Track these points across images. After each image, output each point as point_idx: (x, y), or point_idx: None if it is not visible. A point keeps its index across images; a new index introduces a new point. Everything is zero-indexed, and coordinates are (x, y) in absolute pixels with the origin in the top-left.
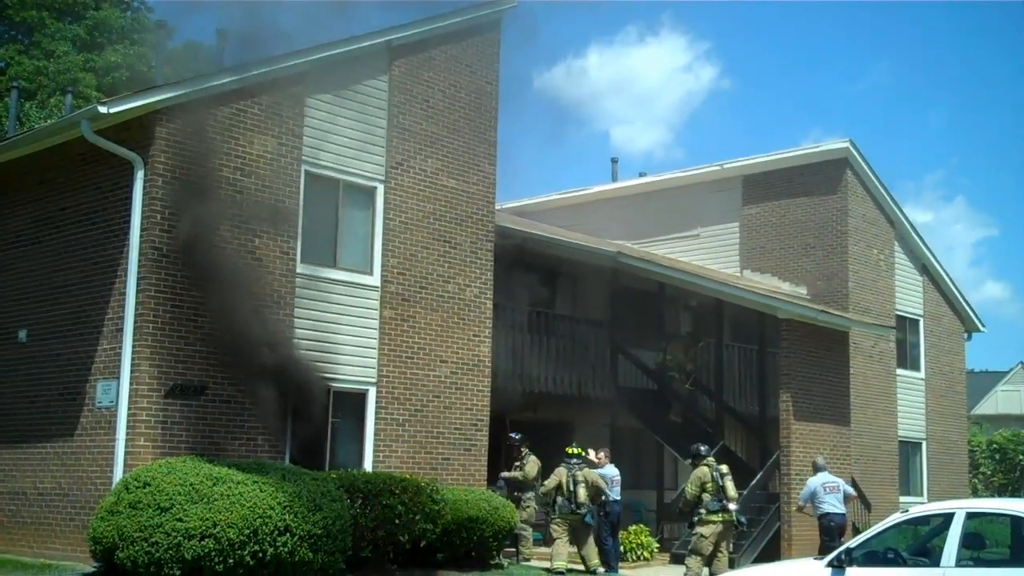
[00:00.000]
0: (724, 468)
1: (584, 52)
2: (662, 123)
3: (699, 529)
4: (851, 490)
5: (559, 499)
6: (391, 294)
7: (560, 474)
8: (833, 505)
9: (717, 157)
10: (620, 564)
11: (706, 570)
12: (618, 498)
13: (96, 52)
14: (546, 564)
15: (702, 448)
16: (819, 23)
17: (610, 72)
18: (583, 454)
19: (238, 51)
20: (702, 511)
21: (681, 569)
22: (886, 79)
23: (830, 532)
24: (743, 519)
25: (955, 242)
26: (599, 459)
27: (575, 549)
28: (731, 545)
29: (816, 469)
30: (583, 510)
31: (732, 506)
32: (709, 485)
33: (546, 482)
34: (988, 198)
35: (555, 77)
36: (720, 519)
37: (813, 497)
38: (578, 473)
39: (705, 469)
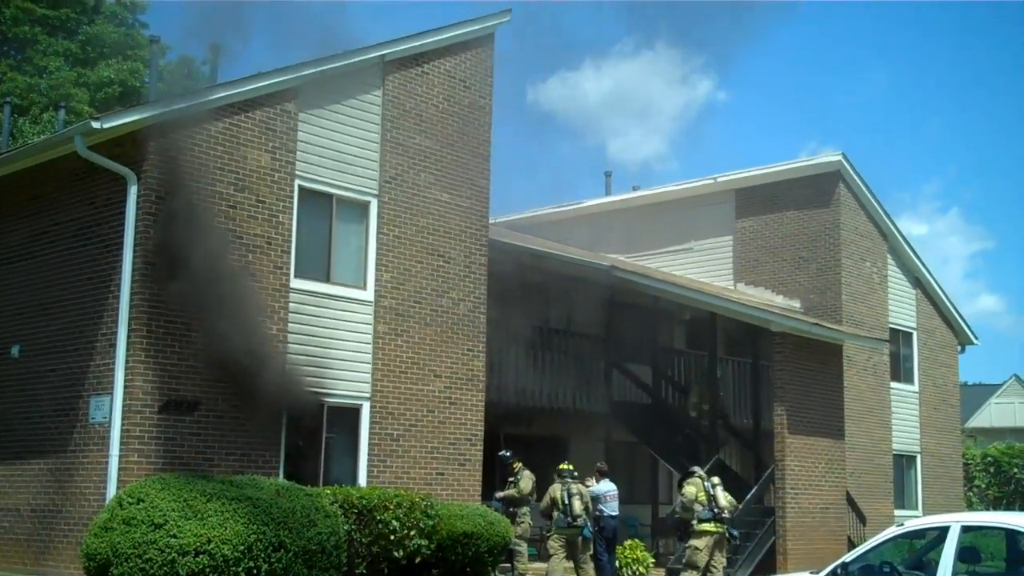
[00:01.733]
0: (716, 479)
1: (579, 65)
2: (658, 135)
3: (692, 541)
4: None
5: (555, 514)
6: (385, 309)
7: (554, 490)
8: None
9: (713, 169)
10: None
11: None
12: (615, 514)
13: (89, 67)
14: None
15: (695, 469)
16: (815, 34)
17: (606, 84)
18: (575, 470)
19: (231, 64)
20: (694, 521)
21: None
22: (883, 90)
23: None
24: (735, 532)
25: (951, 254)
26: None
27: (571, 565)
28: (725, 559)
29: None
30: (580, 522)
31: (725, 515)
32: (702, 496)
33: (541, 502)
34: (984, 210)
35: (549, 89)
36: (713, 529)
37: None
38: (572, 486)
39: (697, 481)
